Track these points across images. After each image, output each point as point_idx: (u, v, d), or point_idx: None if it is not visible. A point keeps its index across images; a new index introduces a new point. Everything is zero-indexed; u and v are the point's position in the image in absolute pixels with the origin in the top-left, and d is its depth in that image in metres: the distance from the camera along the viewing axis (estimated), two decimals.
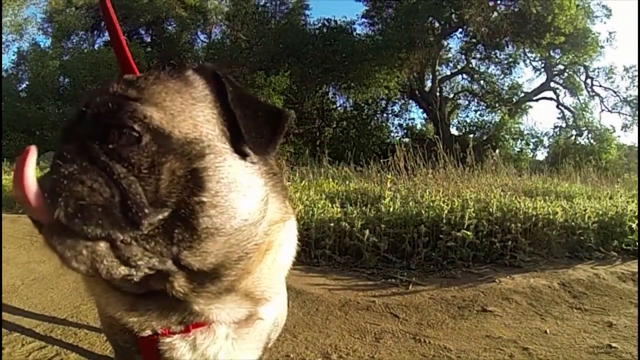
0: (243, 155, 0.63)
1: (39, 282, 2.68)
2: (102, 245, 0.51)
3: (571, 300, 2.47)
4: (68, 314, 2.15)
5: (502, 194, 4.29)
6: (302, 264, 3.12)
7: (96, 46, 21.52)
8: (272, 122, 0.65)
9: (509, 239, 3.23)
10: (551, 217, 3.56)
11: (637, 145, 17.03)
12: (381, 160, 6.31)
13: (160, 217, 0.53)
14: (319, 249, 3.33)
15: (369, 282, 2.83)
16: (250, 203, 0.61)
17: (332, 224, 3.47)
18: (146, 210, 0.52)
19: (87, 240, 0.50)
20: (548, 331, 2.04)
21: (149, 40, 23.04)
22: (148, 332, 0.69)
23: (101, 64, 17.63)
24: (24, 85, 20.46)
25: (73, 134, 0.58)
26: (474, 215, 3.37)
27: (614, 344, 1.87)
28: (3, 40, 20.22)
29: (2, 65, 18.45)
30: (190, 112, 0.59)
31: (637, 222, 3.66)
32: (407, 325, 2.13)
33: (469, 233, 3.12)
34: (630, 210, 3.87)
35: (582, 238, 3.47)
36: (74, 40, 21.71)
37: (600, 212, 3.85)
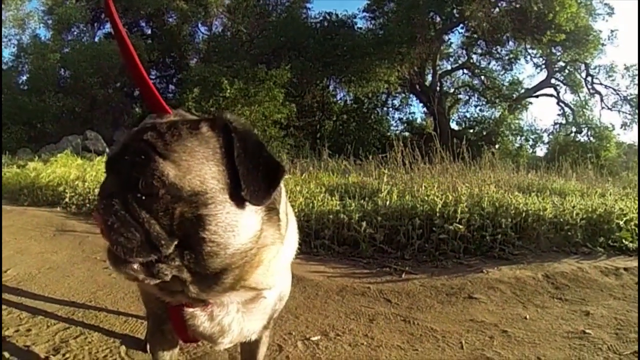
0: (241, 201, 0.78)
1: (55, 271, 2.75)
2: (140, 268, 0.75)
3: (553, 290, 2.56)
4: (86, 299, 2.26)
5: (495, 189, 4.35)
6: (303, 253, 3.25)
7: (96, 38, 21.45)
8: (269, 177, 0.79)
9: (499, 232, 3.31)
10: (541, 212, 3.64)
11: (636, 143, 17.08)
12: (380, 155, 6.41)
13: (175, 244, 0.74)
14: (318, 239, 3.47)
15: (365, 270, 2.96)
16: (242, 239, 0.78)
17: (331, 216, 3.59)
18: (163, 242, 0.73)
19: (133, 263, 0.74)
20: (528, 317, 2.16)
21: (149, 32, 22.92)
22: (176, 303, 0.88)
23: (101, 56, 17.54)
24: (24, 78, 20.42)
25: (116, 168, 0.78)
26: (466, 209, 3.46)
27: (588, 330, 1.98)
28: (5, 34, 20.20)
29: (2, 58, 18.40)
30: (200, 171, 0.75)
31: (624, 219, 3.68)
32: (399, 309, 2.28)
33: (461, 226, 3.22)
34: (619, 208, 3.89)
35: (569, 234, 3.52)
36: (74, 33, 21.59)
37: (590, 209, 3.89)
